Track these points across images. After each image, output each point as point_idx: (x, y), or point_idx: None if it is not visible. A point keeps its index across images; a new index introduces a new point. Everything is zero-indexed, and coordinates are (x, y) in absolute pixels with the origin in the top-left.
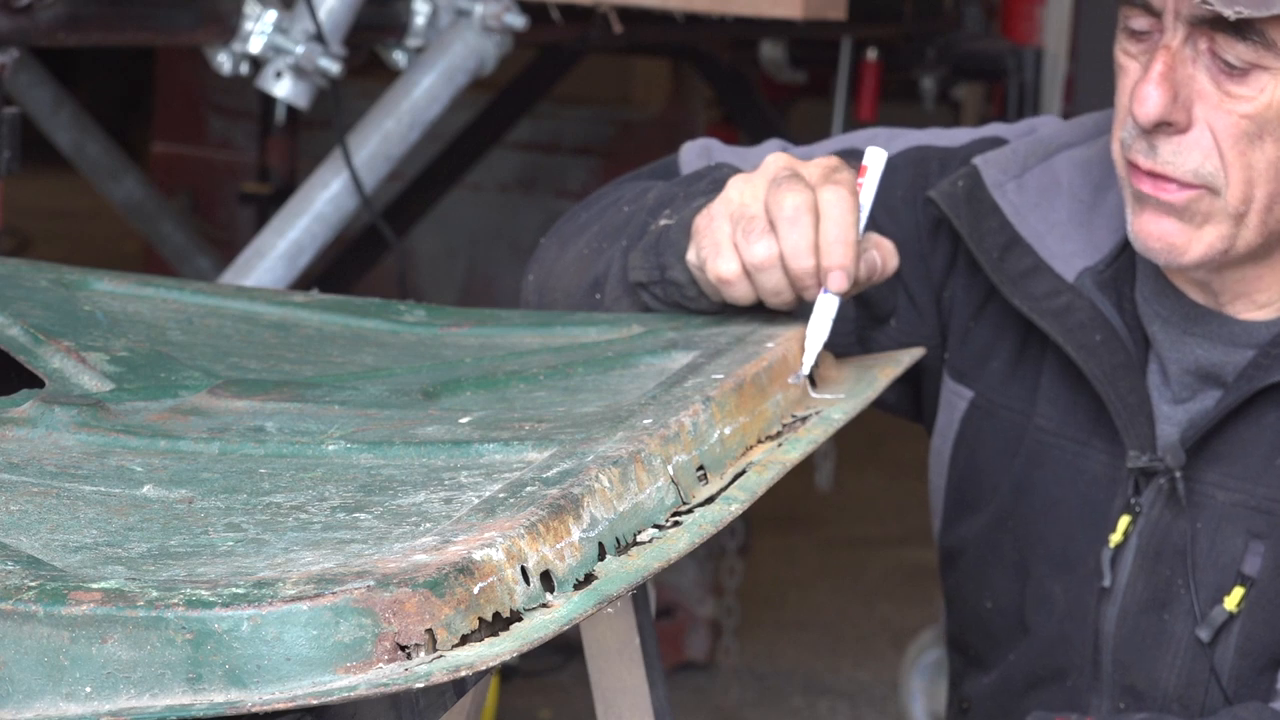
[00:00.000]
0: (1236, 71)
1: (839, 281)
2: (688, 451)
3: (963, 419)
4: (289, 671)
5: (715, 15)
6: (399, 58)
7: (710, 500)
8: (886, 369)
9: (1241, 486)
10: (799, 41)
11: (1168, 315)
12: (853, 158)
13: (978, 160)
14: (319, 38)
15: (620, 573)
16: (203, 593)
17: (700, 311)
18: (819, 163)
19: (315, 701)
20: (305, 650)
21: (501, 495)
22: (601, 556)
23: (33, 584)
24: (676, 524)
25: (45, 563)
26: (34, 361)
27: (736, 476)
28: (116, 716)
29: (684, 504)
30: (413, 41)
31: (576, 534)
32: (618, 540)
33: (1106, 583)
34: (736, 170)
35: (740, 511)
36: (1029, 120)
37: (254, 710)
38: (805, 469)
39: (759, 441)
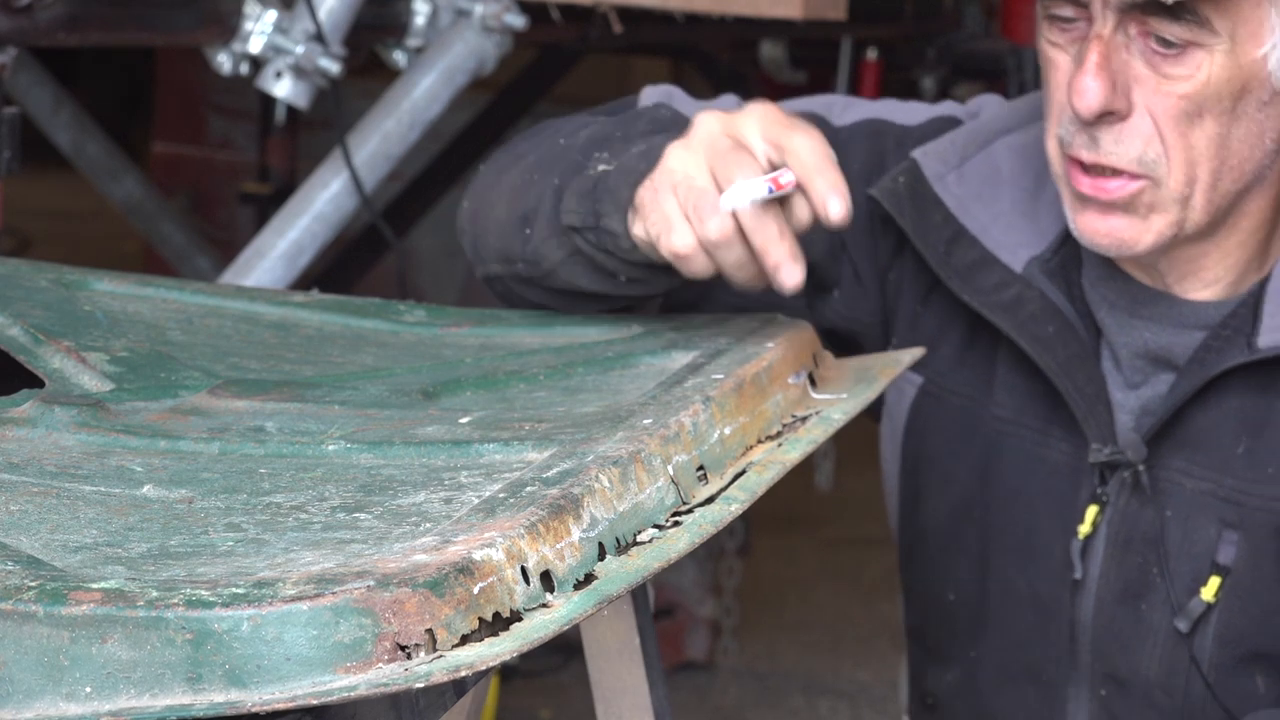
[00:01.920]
0: (1173, 52)
1: (839, 210)
2: (688, 451)
3: (912, 406)
4: (289, 671)
5: (715, 15)
6: (399, 58)
7: (710, 500)
8: (887, 369)
9: (1208, 475)
10: (799, 41)
11: (1114, 299)
12: (812, 120)
13: (916, 154)
14: (319, 38)
15: (620, 573)
16: (203, 593)
17: (632, 263)
18: (754, 113)
19: (315, 701)
20: (305, 650)
21: (501, 495)
22: (601, 556)
23: (33, 584)
24: (676, 524)
25: (45, 563)
26: (34, 361)
27: (736, 476)
28: (116, 716)
29: (684, 504)
30: (413, 41)
31: (576, 534)
32: (618, 540)
33: (1078, 575)
34: (676, 112)
35: (740, 511)
36: (977, 99)
37: (254, 710)
38: (805, 469)
39: (759, 441)
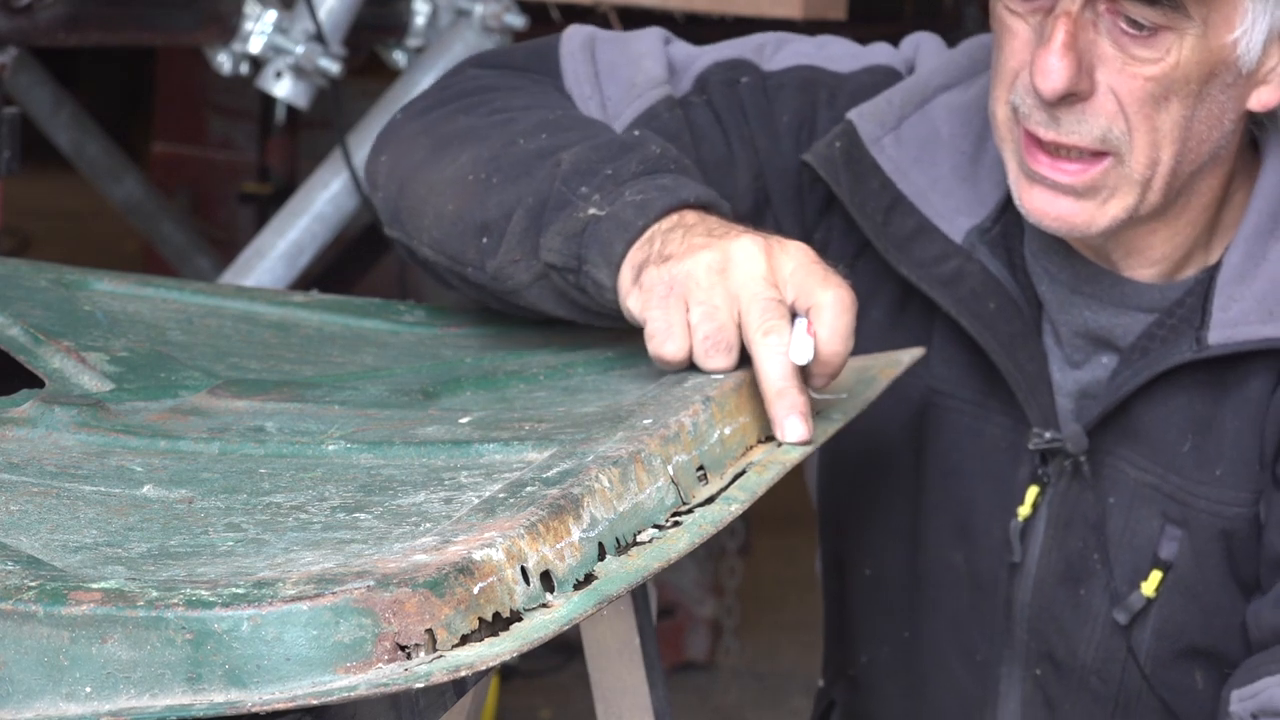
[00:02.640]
0: (1143, 33)
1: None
2: (688, 451)
3: None
4: (289, 671)
5: (715, 15)
6: (399, 58)
7: (710, 500)
8: (887, 369)
9: (1153, 469)
10: None
11: (1056, 273)
12: (739, 68)
13: (852, 115)
14: (319, 38)
15: (620, 573)
16: (203, 593)
17: (605, 309)
18: (793, 257)
19: (315, 701)
20: (305, 650)
21: (501, 495)
22: (601, 556)
23: (33, 584)
24: (676, 524)
25: (45, 563)
26: (34, 361)
27: (736, 476)
28: (116, 716)
29: (684, 504)
30: (413, 41)
31: (576, 534)
32: (618, 540)
33: (1017, 558)
34: (665, 146)
35: (740, 511)
36: (911, 39)
37: (254, 710)
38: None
39: (759, 441)
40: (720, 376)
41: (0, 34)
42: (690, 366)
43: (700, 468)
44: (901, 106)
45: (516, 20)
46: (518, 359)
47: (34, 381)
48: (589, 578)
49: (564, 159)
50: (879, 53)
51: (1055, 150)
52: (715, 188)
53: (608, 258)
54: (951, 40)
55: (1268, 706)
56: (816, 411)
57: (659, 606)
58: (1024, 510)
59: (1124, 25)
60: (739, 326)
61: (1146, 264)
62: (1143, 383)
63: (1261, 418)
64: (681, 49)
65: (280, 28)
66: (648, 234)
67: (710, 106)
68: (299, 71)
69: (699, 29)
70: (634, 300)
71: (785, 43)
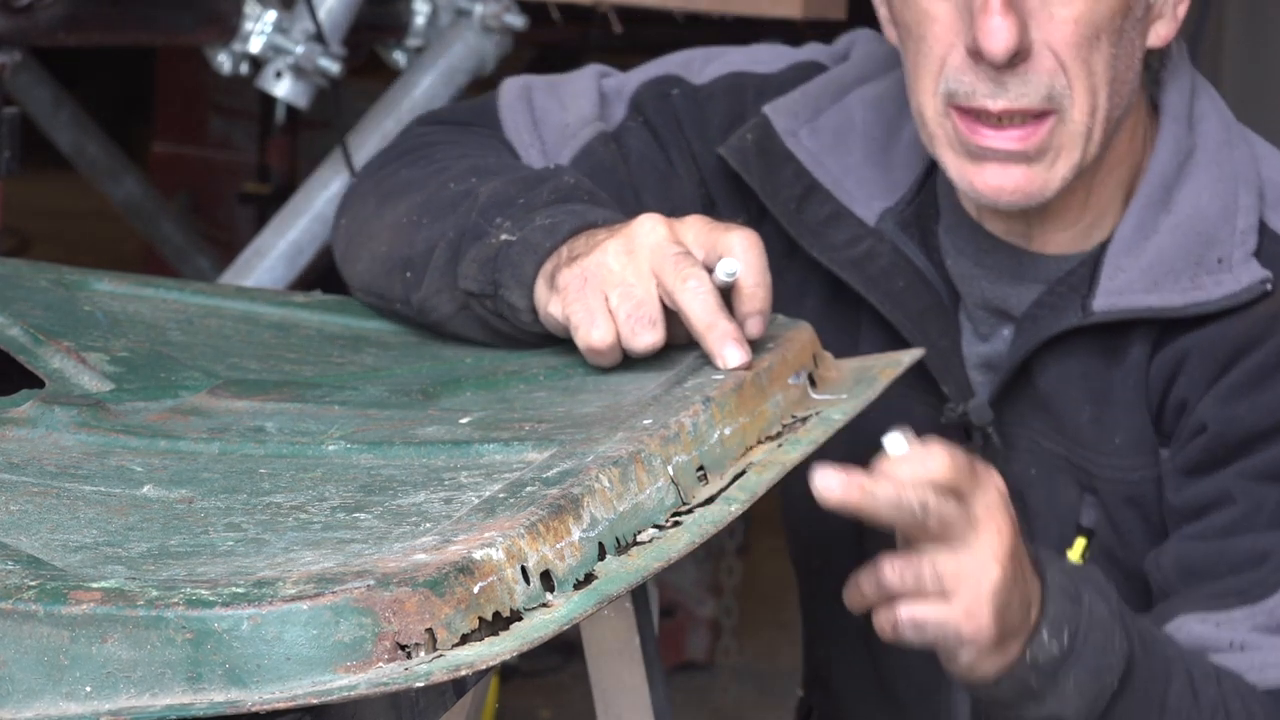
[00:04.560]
0: None
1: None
2: (688, 452)
3: None
4: (289, 671)
5: (715, 15)
6: (399, 58)
7: (710, 500)
8: (887, 369)
9: (1060, 441)
10: (799, 42)
11: (962, 246)
12: (668, 83)
13: (767, 109)
14: (319, 38)
15: (620, 573)
16: (203, 592)
17: (527, 330)
18: (692, 222)
19: (315, 701)
20: (305, 650)
21: (501, 495)
22: (601, 556)
23: (33, 584)
24: (676, 524)
25: (45, 562)
26: (34, 361)
27: (736, 477)
28: (116, 716)
29: (684, 504)
30: (413, 41)
31: (576, 534)
32: (618, 540)
33: None
34: (579, 179)
35: (740, 512)
36: (847, 36)
37: (254, 710)
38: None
39: (759, 442)
40: (720, 376)
41: (0, 34)
42: (626, 357)
43: (700, 468)
44: (818, 99)
45: (516, 20)
46: (518, 359)
47: (34, 381)
48: (589, 577)
49: (481, 193)
50: (808, 50)
51: (999, 121)
52: (664, 200)
53: (519, 279)
54: None
55: (1188, 642)
56: (816, 412)
57: (659, 607)
58: None
59: None
60: (659, 299)
61: (1056, 231)
62: (1032, 348)
63: (1144, 382)
64: (614, 79)
65: (280, 28)
66: (556, 253)
67: (647, 126)
68: (299, 71)
69: (699, 29)
70: (554, 306)
71: (713, 57)
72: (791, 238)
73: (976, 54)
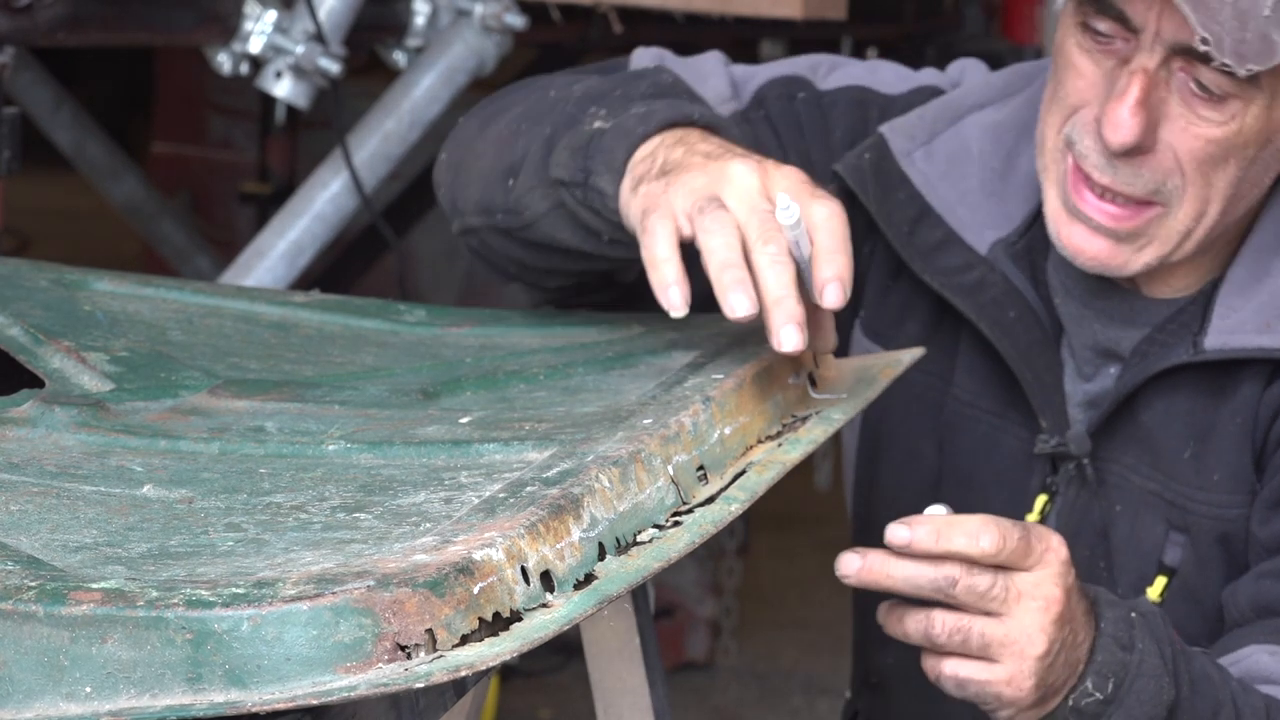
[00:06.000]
0: (1212, 98)
1: (835, 296)
2: (688, 451)
3: None
4: (289, 671)
5: (715, 15)
6: (399, 58)
7: (710, 500)
8: (887, 369)
9: (1155, 476)
10: (799, 41)
11: (1071, 287)
12: (795, 84)
13: (884, 129)
14: (319, 38)
15: (620, 573)
16: (203, 593)
17: (616, 223)
18: (788, 176)
19: (315, 701)
20: (305, 650)
21: (501, 495)
22: (601, 556)
23: (33, 584)
24: (676, 524)
25: (45, 563)
26: (34, 361)
27: (736, 476)
28: (116, 716)
29: (684, 504)
30: (413, 41)
31: (576, 534)
32: (618, 540)
33: None
34: (677, 78)
35: (740, 511)
36: (957, 64)
37: (254, 710)
38: (805, 469)
39: (759, 441)
40: (720, 376)
41: (0, 34)
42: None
43: (700, 468)
44: (934, 122)
45: (516, 20)
46: (518, 359)
47: (34, 381)
48: (589, 578)
49: (577, 89)
50: (926, 75)
51: (1103, 192)
52: None
53: (610, 164)
54: (958, 54)
55: (1252, 671)
56: (816, 411)
57: (658, 607)
58: (1032, 517)
59: (1194, 87)
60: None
61: (1167, 287)
62: (1140, 382)
63: (1253, 420)
64: (740, 68)
65: (280, 28)
66: (650, 146)
67: (768, 121)
68: (299, 71)
69: (699, 29)
70: (635, 206)
71: (838, 65)
72: (899, 260)
73: (1099, 132)
